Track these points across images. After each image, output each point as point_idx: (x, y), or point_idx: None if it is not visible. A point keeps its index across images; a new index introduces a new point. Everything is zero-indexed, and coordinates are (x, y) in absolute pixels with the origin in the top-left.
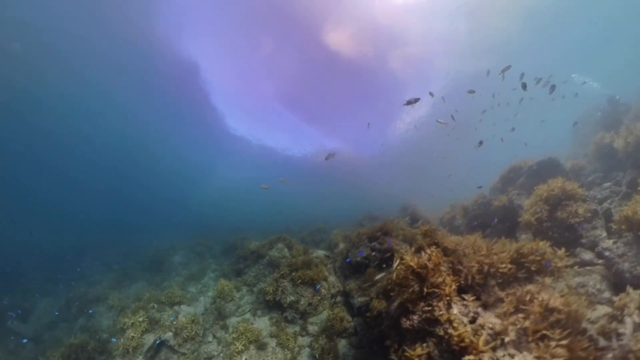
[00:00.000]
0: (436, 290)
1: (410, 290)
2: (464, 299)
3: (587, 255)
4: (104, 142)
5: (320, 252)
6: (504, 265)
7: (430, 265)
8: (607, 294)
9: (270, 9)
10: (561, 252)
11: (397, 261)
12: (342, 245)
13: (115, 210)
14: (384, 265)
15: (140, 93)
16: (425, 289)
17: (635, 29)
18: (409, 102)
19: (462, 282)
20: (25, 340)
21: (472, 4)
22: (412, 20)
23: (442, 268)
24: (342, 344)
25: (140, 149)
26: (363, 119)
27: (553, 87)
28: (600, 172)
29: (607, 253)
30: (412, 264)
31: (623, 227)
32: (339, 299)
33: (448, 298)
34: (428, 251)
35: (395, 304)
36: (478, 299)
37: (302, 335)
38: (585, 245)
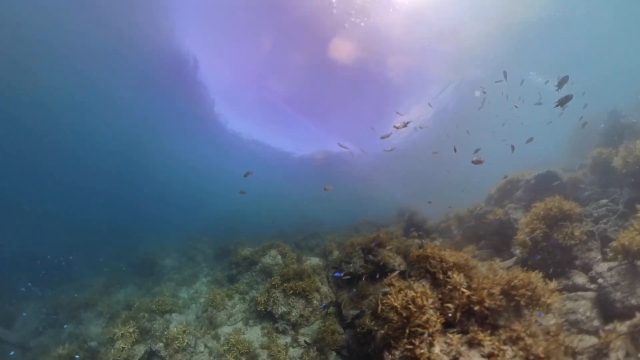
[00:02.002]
0: (419, 329)
1: (394, 326)
2: (448, 335)
3: (580, 279)
4: (97, 140)
5: (315, 260)
6: (493, 302)
7: (413, 308)
8: (596, 323)
9: (271, 6)
10: (553, 285)
11: (381, 297)
12: (336, 253)
13: (106, 210)
14: (377, 277)
15: (134, 90)
16: (407, 329)
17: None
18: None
19: (450, 317)
20: (12, 353)
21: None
22: (412, 28)
23: (428, 304)
24: (333, 357)
25: (135, 148)
26: (363, 120)
27: (566, 79)
28: (597, 187)
29: (600, 280)
30: (396, 304)
31: (619, 255)
32: (331, 309)
33: (430, 338)
34: (413, 292)
35: (379, 335)
36: (465, 333)
37: (294, 347)
38: (579, 267)
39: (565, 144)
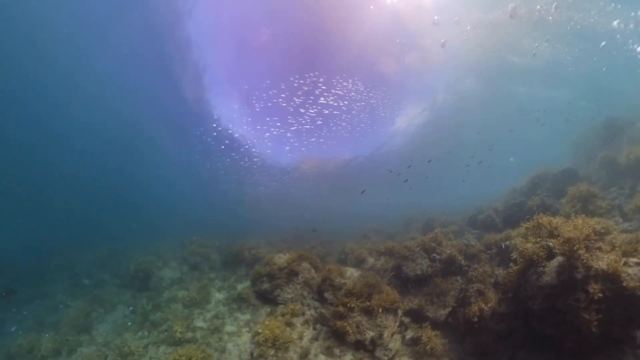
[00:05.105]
0: None
1: None
2: None
3: None
4: (93, 137)
5: (351, 270)
6: None
7: None
8: None
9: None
10: None
11: None
12: (371, 261)
13: (95, 207)
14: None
15: (138, 90)
16: None
17: None
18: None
19: None
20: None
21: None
22: (410, 31)
23: None
24: None
25: (131, 146)
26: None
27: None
28: (606, 180)
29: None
30: None
31: (637, 214)
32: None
33: None
34: None
35: None
36: None
37: None
38: None
39: (568, 148)
